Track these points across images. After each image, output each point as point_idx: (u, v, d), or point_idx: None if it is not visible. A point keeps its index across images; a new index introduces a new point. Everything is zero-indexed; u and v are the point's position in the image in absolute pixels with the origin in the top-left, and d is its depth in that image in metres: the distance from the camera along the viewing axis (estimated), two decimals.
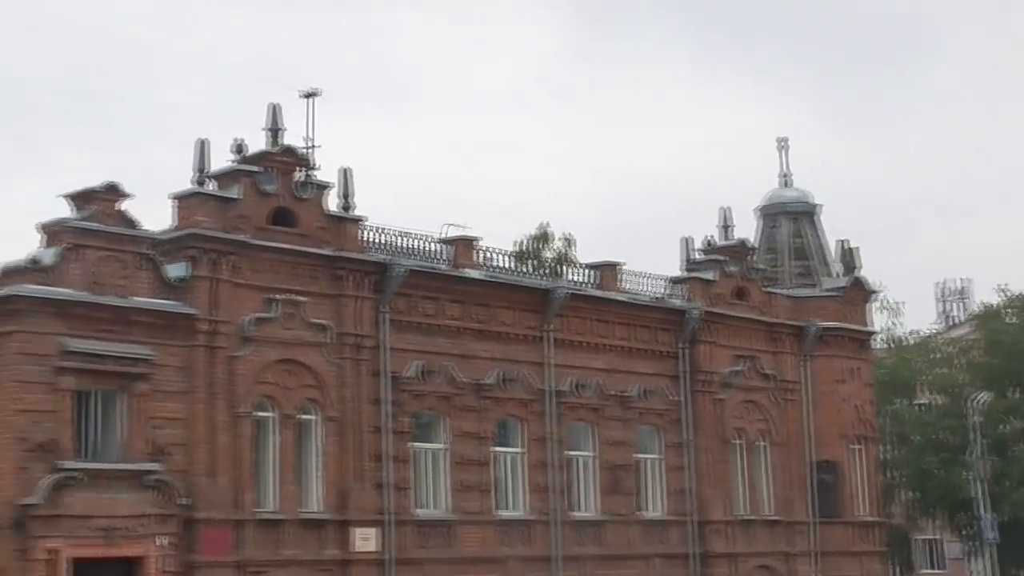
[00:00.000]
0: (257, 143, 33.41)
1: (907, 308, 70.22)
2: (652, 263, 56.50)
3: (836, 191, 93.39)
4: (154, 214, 32.22)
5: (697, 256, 44.14)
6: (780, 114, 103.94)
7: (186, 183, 32.29)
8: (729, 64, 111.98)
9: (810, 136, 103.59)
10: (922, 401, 66.73)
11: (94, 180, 30.32)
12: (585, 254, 54.52)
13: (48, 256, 29.30)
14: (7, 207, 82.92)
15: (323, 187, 34.20)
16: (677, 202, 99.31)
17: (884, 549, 50.56)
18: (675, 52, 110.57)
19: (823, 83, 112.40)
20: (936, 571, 73.20)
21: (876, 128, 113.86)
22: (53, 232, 29.87)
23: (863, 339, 47.95)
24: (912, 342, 68.27)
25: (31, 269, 29.03)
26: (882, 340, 65.95)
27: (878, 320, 63.15)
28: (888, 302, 67.29)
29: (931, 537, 72.19)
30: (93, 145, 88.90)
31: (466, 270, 37.37)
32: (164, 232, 31.93)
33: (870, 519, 47.13)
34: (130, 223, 30.54)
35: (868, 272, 48.44)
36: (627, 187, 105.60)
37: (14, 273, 29.12)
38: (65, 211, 30.40)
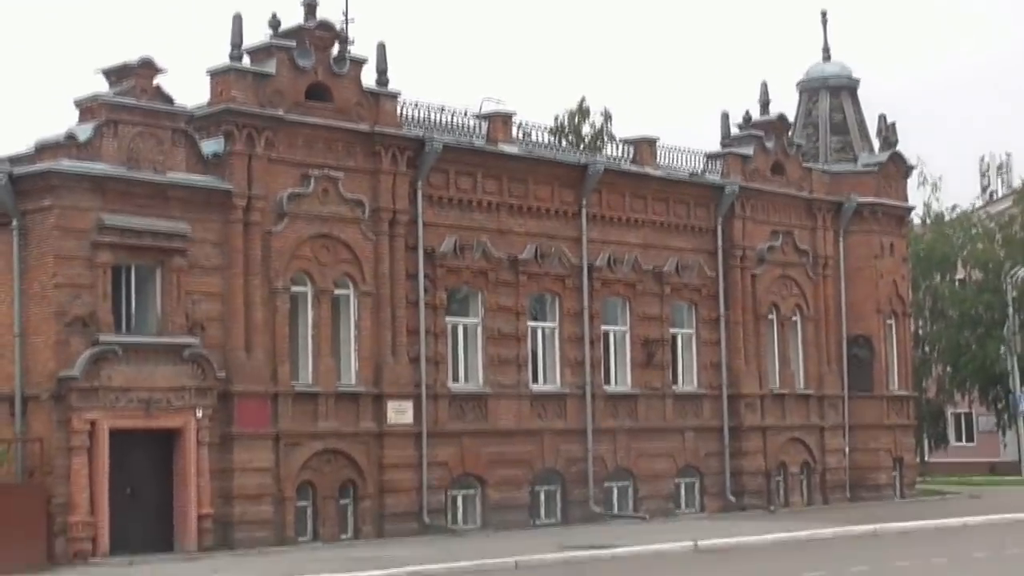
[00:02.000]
0: (293, 18, 33.31)
1: (948, 183, 69.84)
2: (690, 139, 56.27)
3: (878, 65, 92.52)
4: (190, 89, 32.28)
5: (735, 131, 43.94)
6: None
7: (222, 58, 32.22)
8: None
9: (853, 8, 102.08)
10: (960, 276, 66.78)
11: (131, 55, 30.29)
12: (623, 129, 54.67)
13: (84, 131, 29.35)
14: (47, 83, 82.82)
15: (359, 62, 34.08)
16: (717, 77, 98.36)
17: (916, 423, 50.92)
18: None
19: None
20: (968, 444, 73.56)
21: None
22: (89, 107, 29.97)
23: (901, 214, 47.90)
24: (952, 217, 68.06)
25: (67, 144, 29.12)
26: (921, 215, 65.90)
27: (918, 195, 63.15)
28: (928, 177, 67.13)
29: (964, 411, 72.46)
30: (131, 20, 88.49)
31: (502, 145, 37.33)
32: (200, 108, 31.96)
33: (903, 393, 47.46)
34: (166, 98, 30.50)
35: (908, 147, 48.24)
36: (667, 61, 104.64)
37: (51, 149, 29.25)
38: (103, 87, 30.43)
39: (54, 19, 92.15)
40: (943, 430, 70.28)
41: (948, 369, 66.71)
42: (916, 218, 62.18)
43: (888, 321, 46.76)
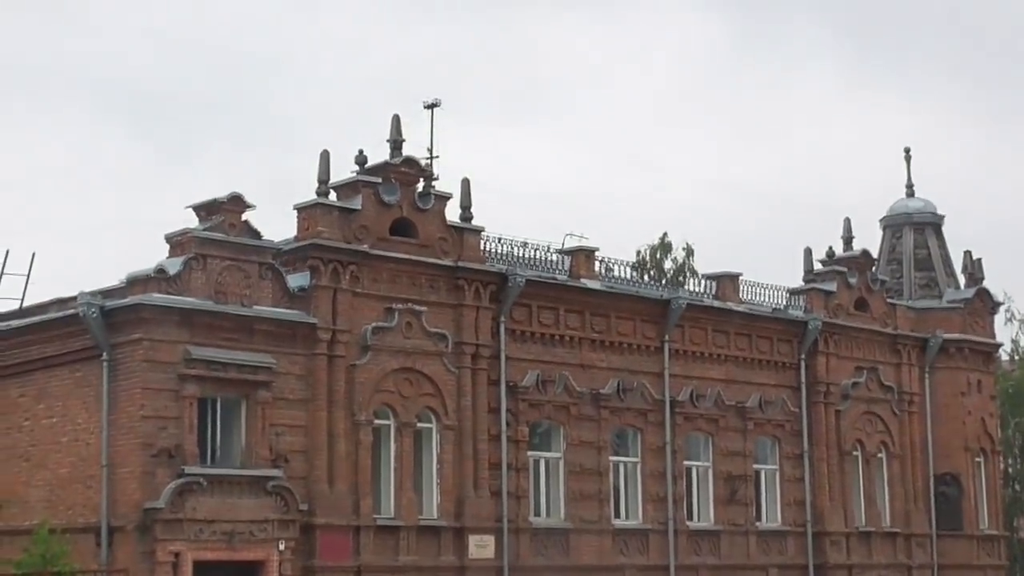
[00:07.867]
0: (380, 154, 33.88)
1: None
2: (773, 274, 56.27)
3: (962, 200, 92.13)
4: (278, 224, 32.84)
5: (818, 267, 43.98)
6: (905, 123, 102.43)
7: (309, 194, 32.82)
8: (868, 71, 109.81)
9: (936, 143, 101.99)
10: None
11: (221, 191, 30.94)
12: (705, 264, 54.81)
13: (174, 265, 29.93)
14: (145, 217, 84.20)
15: (444, 198, 34.56)
16: (800, 212, 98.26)
17: (1008, 563, 50.05)
18: (820, 61, 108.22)
19: (950, 88, 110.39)
20: None
21: (1005, 133, 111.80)
22: (178, 242, 30.55)
23: (988, 351, 47.53)
24: None
25: (157, 278, 29.67)
26: (1009, 352, 65.19)
27: (1005, 332, 62.54)
28: (1015, 313, 66.49)
29: None
30: (224, 157, 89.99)
31: (585, 280, 37.60)
32: (286, 242, 32.51)
33: (993, 532, 46.77)
34: (254, 233, 31.08)
35: (994, 283, 48.03)
36: (750, 196, 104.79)
37: (141, 282, 29.81)
38: (192, 222, 31.08)
39: (146, 156, 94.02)
40: None
41: None
42: (1004, 355, 61.56)
43: (976, 459, 46.26)
